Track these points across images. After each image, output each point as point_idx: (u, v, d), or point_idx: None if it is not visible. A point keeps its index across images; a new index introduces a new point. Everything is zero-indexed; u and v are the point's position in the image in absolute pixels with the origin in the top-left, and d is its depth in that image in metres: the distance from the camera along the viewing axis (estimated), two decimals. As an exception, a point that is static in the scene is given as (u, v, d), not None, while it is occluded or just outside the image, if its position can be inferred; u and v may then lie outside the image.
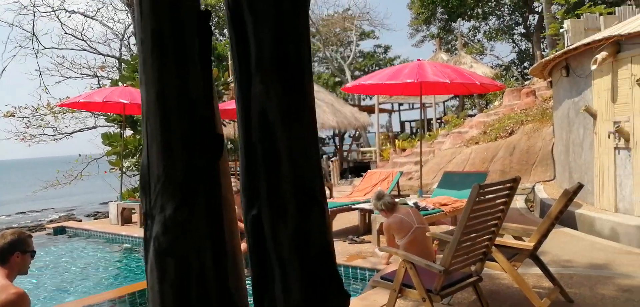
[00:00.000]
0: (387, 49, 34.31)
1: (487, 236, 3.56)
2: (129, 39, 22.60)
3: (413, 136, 22.43)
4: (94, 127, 20.09)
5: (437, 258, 4.38)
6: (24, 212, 23.71)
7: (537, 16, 26.50)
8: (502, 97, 16.72)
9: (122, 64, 21.21)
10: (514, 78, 23.86)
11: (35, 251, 2.98)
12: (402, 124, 27.50)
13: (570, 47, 7.68)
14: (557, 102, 9.25)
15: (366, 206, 7.12)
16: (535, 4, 25.85)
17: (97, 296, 5.46)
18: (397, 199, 5.76)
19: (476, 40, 31.35)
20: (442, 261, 3.32)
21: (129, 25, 22.12)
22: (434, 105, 22.11)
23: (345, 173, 18.19)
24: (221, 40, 23.56)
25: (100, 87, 20.22)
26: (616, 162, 6.65)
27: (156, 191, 0.94)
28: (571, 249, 5.62)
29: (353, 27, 30.38)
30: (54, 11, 20.74)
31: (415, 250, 4.12)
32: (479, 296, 3.68)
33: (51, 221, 15.27)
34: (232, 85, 14.94)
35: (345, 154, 21.38)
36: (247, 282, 1.16)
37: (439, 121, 21.91)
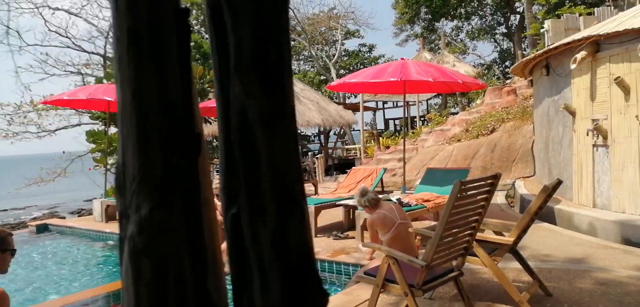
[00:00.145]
0: (371, 48, 34.41)
1: (468, 232, 3.63)
2: (113, 36, 22.24)
3: (397, 134, 22.57)
4: (79, 125, 19.85)
5: (419, 253, 4.44)
6: (6, 210, 23.29)
7: (518, 16, 26.84)
8: (483, 95, 16.92)
9: (107, 62, 20.94)
10: (496, 77, 24.15)
11: (15, 250, 2.95)
12: (386, 121, 27.65)
13: (551, 47, 7.83)
14: (538, 100, 9.40)
15: (350, 202, 7.17)
16: (517, 4, 26.18)
17: (80, 294, 5.42)
18: (380, 196, 5.83)
19: (459, 40, 31.65)
20: (424, 256, 3.37)
21: (114, 22, 21.77)
22: (418, 103, 22.28)
23: (330, 170, 18.23)
24: (207, 38, 23.41)
25: (84, 85, 19.96)
26: (594, 159, 6.80)
27: (132, 191, 0.93)
28: (550, 244, 5.74)
29: (338, 26, 30.42)
30: (37, 8, 20.41)
31: (398, 245, 4.17)
32: (460, 291, 3.75)
33: (34, 219, 15.05)
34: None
35: (330, 151, 21.42)
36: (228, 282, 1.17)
37: (422, 119, 22.09)
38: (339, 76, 27.27)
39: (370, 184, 8.42)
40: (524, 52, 21.60)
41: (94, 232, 8.94)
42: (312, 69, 33.20)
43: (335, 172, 17.66)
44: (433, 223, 7.12)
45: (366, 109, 22.50)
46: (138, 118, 0.93)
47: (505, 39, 30.91)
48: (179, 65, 0.96)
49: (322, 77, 30.36)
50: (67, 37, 21.91)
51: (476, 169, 11.27)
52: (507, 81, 20.22)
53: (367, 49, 34.23)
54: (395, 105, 26.58)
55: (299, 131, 23.59)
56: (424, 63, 9.42)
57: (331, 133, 23.90)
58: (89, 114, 17.45)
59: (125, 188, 0.95)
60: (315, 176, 14.90)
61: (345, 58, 33.25)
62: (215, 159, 15.14)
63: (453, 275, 3.67)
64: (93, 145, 13.00)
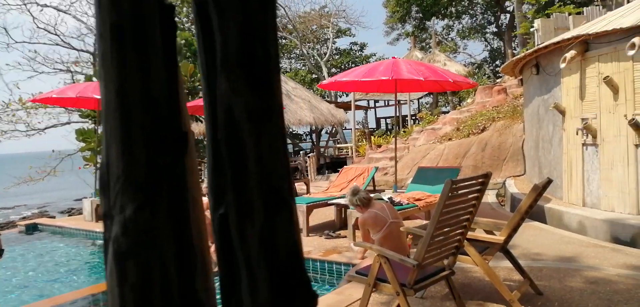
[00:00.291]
0: (363, 46, 34.46)
1: (460, 231, 3.63)
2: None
3: (388, 132, 22.62)
4: (68, 123, 19.68)
5: (411, 252, 4.44)
6: (-5, 210, 23.03)
7: (508, 15, 27.01)
8: (474, 94, 17.00)
9: (97, 59, 20.73)
10: (486, 76, 24.29)
11: (3, 250, 2.91)
12: (377, 120, 27.73)
13: (541, 46, 7.87)
14: (528, 99, 9.46)
15: (342, 201, 7.16)
16: (507, 3, 26.35)
17: (70, 294, 5.36)
18: (372, 195, 5.82)
19: (450, 39, 31.81)
20: (415, 256, 3.37)
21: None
22: (409, 102, 22.33)
23: (322, 169, 18.23)
24: (196, 36, 23.23)
25: (74, 83, 19.78)
26: (584, 157, 6.85)
27: (116, 191, 0.91)
28: (540, 243, 5.77)
29: (330, 25, 30.43)
30: (25, 4, 20.18)
31: (390, 244, 4.17)
32: (451, 290, 3.75)
33: (23, 218, 14.90)
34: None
35: (322, 150, 21.43)
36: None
37: (413, 118, 22.15)
38: (330, 75, 27.29)
39: (362, 183, 8.42)
40: (514, 51, 21.74)
41: (84, 231, 8.87)
42: (303, 68, 33.19)
43: (327, 171, 17.66)
44: (424, 222, 7.13)
45: (358, 107, 22.53)
46: (122, 116, 0.91)
47: (495, 38, 31.12)
48: (164, 63, 0.94)
49: (314, 76, 30.36)
50: (56, 34, 21.70)
51: (467, 168, 11.32)
52: (498, 80, 20.34)
53: (359, 48, 34.29)
54: (386, 104, 26.64)
55: (290, 130, 23.59)
56: (415, 62, 9.44)
57: (323, 132, 23.90)
58: (78, 112, 17.31)
59: (109, 188, 0.92)
60: (307, 175, 14.89)
61: (337, 56, 33.28)
62: (205, 159, 15.05)
63: (444, 274, 3.68)
64: (83, 144, 12.90)
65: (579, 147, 6.92)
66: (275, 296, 0.98)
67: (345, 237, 6.64)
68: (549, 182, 4.14)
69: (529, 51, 8.36)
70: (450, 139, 13.29)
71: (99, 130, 11.97)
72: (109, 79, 0.91)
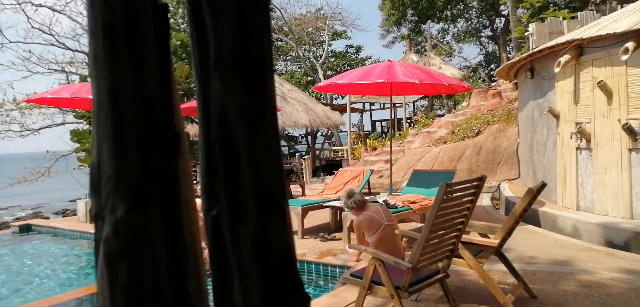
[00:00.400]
0: (358, 49, 34.50)
1: (454, 234, 3.64)
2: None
3: (384, 135, 22.64)
4: (63, 124, 19.57)
5: (405, 255, 4.44)
6: (-11, 210, 22.84)
7: (503, 19, 27.14)
8: (469, 98, 17.05)
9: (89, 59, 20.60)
10: (481, 79, 24.37)
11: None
12: (373, 123, 27.76)
13: (535, 50, 7.91)
14: (522, 103, 9.49)
15: (337, 203, 7.16)
16: (502, 7, 26.45)
17: (63, 296, 5.33)
18: (367, 197, 5.82)
19: (445, 42, 31.92)
20: (410, 258, 3.37)
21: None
22: (404, 105, 22.39)
23: (317, 171, 18.22)
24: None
25: (68, 83, 19.67)
26: (578, 161, 6.88)
27: (107, 192, 0.90)
28: (535, 246, 5.79)
29: (325, 27, 30.45)
30: (20, 4, 20.06)
31: (385, 247, 4.17)
32: (446, 292, 3.76)
33: (17, 219, 14.80)
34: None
35: (317, 152, 21.42)
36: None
37: (408, 121, 22.19)
38: (326, 77, 27.31)
39: (357, 185, 8.43)
40: (509, 55, 21.84)
41: (78, 232, 8.82)
42: (299, 70, 33.19)
43: (322, 174, 17.66)
44: (419, 225, 7.14)
45: (353, 110, 22.54)
46: (113, 116, 0.90)
47: (490, 41, 31.24)
48: (158, 62, 0.93)
49: (310, 78, 30.37)
50: (50, 34, 21.57)
51: (462, 171, 11.34)
52: (493, 84, 20.41)
53: (354, 50, 34.32)
54: (382, 106, 26.69)
55: (286, 132, 23.57)
56: (410, 65, 9.45)
57: (318, 134, 23.90)
58: (73, 113, 17.21)
59: (100, 189, 0.91)
60: (303, 177, 14.87)
61: (333, 59, 33.30)
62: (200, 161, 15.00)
63: (439, 277, 3.68)
64: (77, 145, 12.83)
65: (573, 151, 6.95)
66: (268, 298, 0.98)
67: (341, 239, 6.64)
68: (543, 185, 4.15)
69: (524, 55, 8.40)
70: (445, 142, 13.32)
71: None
72: (101, 78, 0.89)
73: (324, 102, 23.35)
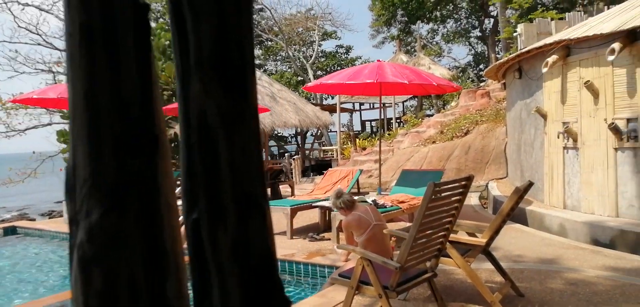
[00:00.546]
0: (348, 49, 34.54)
1: (442, 233, 3.65)
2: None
3: (373, 135, 22.70)
4: (49, 124, 19.35)
5: (394, 254, 4.45)
6: (-27, 213, 22.51)
7: (492, 20, 27.32)
8: (458, 98, 17.15)
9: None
10: (470, 79, 24.52)
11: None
12: (362, 123, 27.81)
13: (523, 50, 7.97)
14: (510, 103, 9.56)
15: (326, 203, 7.16)
16: (491, 8, 26.64)
17: (48, 298, 5.27)
18: (356, 197, 5.82)
19: (434, 43, 32.08)
20: (398, 258, 3.38)
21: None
22: (394, 105, 22.45)
23: (307, 171, 18.21)
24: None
25: (55, 83, 19.45)
26: (565, 161, 6.95)
27: (82, 195, 0.89)
28: (522, 245, 5.83)
29: (315, 27, 30.44)
30: (6, 3, 19.81)
31: (373, 247, 4.18)
32: (433, 292, 3.77)
33: (2, 221, 14.60)
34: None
35: (307, 152, 21.41)
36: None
37: (398, 121, 22.26)
38: (316, 77, 27.30)
39: (347, 185, 8.44)
40: (497, 56, 22.00)
41: (65, 234, 8.71)
42: (289, 70, 33.16)
43: (312, 174, 17.65)
44: (408, 224, 7.17)
45: (343, 110, 22.58)
46: (90, 117, 0.88)
47: (479, 42, 31.46)
48: (137, 63, 0.91)
49: (299, 78, 30.36)
50: (37, 34, 21.32)
51: (451, 171, 11.40)
52: (481, 84, 20.55)
53: (344, 51, 34.37)
54: (371, 106, 26.74)
55: (275, 132, 23.52)
56: (399, 65, 9.48)
57: (308, 134, 23.89)
58: (60, 113, 17.01)
59: (76, 192, 0.89)
60: (292, 177, 14.85)
61: (323, 59, 33.31)
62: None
63: (427, 276, 3.69)
64: (64, 146, 12.68)
65: (560, 150, 7.01)
66: (247, 302, 0.96)
67: (330, 239, 6.64)
68: (530, 185, 4.18)
69: (512, 55, 8.46)
70: (434, 142, 13.38)
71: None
72: (77, 79, 0.88)
73: (314, 102, 23.35)
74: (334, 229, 6.40)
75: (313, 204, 7.51)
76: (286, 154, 18.90)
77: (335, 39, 33.93)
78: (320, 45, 32.27)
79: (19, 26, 22.84)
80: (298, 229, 7.45)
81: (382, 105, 13.01)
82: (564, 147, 6.93)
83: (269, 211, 1.03)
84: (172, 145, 9.86)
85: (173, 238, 0.96)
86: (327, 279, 5.12)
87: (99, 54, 0.88)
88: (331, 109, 21.41)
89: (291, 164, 15.83)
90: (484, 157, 11.76)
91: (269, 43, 32.73)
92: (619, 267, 4.79)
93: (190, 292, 1.04)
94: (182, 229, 1.03)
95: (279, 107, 16.90)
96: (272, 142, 24.39)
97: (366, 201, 6.53)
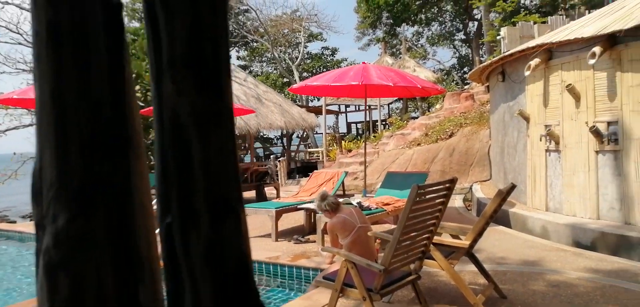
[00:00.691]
0: (334, 51, 34.59)
1: (426, 235, 3.66)
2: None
3: (359, 137, 22.74)
4: (31, 125, 19.05)
5: (379, 257, 4.45)
6: (-49, 214, 21.99)
7: (476, 23, 27.58)
8: (443, 100, 17.27)
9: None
10: (455, 82, 24.71)
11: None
12: (348, 125, 27.88)
13: (506, 54, 8.04)
14: (494, 106, 9.65)
15: (312, 206, 7.13)
16: (475, 11, 26.90)
17: (27, 303, 5.15)
18: (341, 199, 5.81)
19: (419, 45, 32.28)
20: (382, 260, 3.37)
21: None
22: (379, 107, 22.53)
23: (292, 173, 18.18)
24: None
25: (35, 83, 19.14)
26: (547, 163, 7.02)
27: (49, 199, 0.86)
28: (505, 247, 5.87)
29: (301, 29, 30.42)
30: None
31: (358, 249, 4.16)
32: (417, 294, 3.77)
33: (-19, 224, 14.28)
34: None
35: (292, 154, 21.38)
36: None
37: (383, 123, 22.34)
38: (301, 79, 27.27)
39: (332, 187, 8.42)
40: (481, 59, 22.21)
41: (44, 237, 8.55)
42: (274, 71, 33.09)
43: (297, 176, 17.63)
44: (393, 226, 7.18)
45: (329, 112, 22.58)
46: (57, 119, 0.84)
47: (463, 45, 31.74)
48: (108, 63, 0.88)
49: (285, 80, 30.31)
50: (18, 33, 20.96)
51: (435, 173, 11.46)
52: (466, 87, 20.72)
53: (330, 52, 34.40)
54: (357, 109, 26.81)
55: (261, 134, 23.44)
56: (384, 67, 9.52)
57: (294, 136, 23.85)
58: (40, 114, 16.76)
59: (42, 196, 0.86)
60: (278, 179, 14.80)
61: (308, 61, 33.30)
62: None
63: (411, 279, 3.69)
64: (45, 147, 12.51)
65: (543, 153, 7.09)
66: None
67: (315, 242, 6.62)
68: (513, 187, 4.21)
69: (495, 59, 8.53)
70: (419, 144, 13.45)
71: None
72: (44, 79, 0.85)
73: (300, 103, 23.33)
74: (319, 231, 6.38)
75: (298, 207, 7.49)
76: (272, 156, 18.84)
77: (321, 40, 33.95)
78: (306, 47, 32.27)
79: (-1, 25, 22.45)
80: (283, 231, 7.42)
81: (367, 107, 13.03)
82: (546, 150, 7.01)
83: (244, 215, 1.00)
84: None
85: (148, 241, 0.93)
86: (312, 282, 5.10)
87: (66, 53, 0.85)
88: (317, 111, 21.41)
89: (277, 166, 15.78)
90: (468, 160, 11.85)
91: (255, 44, 32.63)
92: (599, 269, 4.85)
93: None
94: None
95: (264, 108, 16.85)
96: (257, 144, 24.30)
97: (351, 203, 6.53)
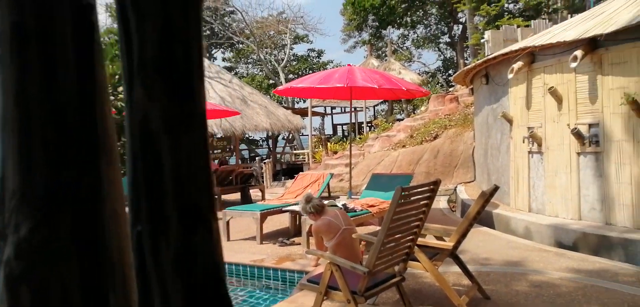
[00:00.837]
0: (320, 53, 34.58)
1: (410, 237, 3.66)
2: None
3: (345, 139, 22.76)
4: None
5: (364, 259, 4.44)
6: None
7: (461, 26, 27.82)
8: (428, 102, 17.37)
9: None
10: (439, 85, 24.89)
11: None
12: (334, 127, 27.90)
13: (490, 57, 8.11)
14: (478, 108, 9.73)
15: (297, 208, 7.10)
16: (460, 15, 27.13)
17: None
18: (326, 201, 5.80)
19: (405, 48, 32.43)
20: (366, 262, 3.37)
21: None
22: (365, 109, 22.59)
23: (278, 175, 18.12)
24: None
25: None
26: (530, 165, 7.10)
27: (11, 208, 0.83)
28: (489, 248, 5.92)
29: (287, 31, 30.37)
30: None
31: (343, 251, 4.15)
32: (402, 296, 3.78)
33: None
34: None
35: (278, 156, 21.32)
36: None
37: (369, 125, 22.39)
38: (287, 80, 27.22)
39: (317, 189, 8.41)
40: (466, 61, 22.40)
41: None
42: (260, 73, 32.97)
43: (283, 178, 17.58)
44: (378, 228, 7.18)
45: (314, 114, 22.59)
46: (20, 125, 0.81)
47: (448, 48, 31.98)
48: (77, 65, 0.85)
49: (271, 81, 30.21)
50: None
51: (420, 175, 11.52)
52: (450, 89, 20.88)
53: (316, 54, 34.40)
54: (343, 110, 26.83)
55: (246, 136, 23.33)
56: (370, 70, 9.54)
57: (280, 138, 23.79)
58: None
59: (4, 205, 0.83)
60: (263, 181, 14.75)
61: (294, 63, 33.25)
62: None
63: (395, 280, 3.70)
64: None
65: (525, 155, 7.16)
66: None
67: (300, 244, 6.60)
68: (496, 189, 4.24)
69: (479, 61, 8.61)
70: (404, 146, 13.51)
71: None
72: (8, 82, 0.81)
73: (286, 105, 23.29)
74: (304, 233, 6.37)
75: (283, 209, 7.46)
76: (257, 158, 18.77)
77: (307, 42, 33.90)
78: (291, 48, 32.22)
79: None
80: (268, 233, 7.38)
81: (353, 109, 13.05)
82: (529, 152, 7.08)
83: (217, 222, 0.98)
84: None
85: (120, 249, 0.90)
86: (297, 285, 5.08)
87: (31, 56, 0.82)
88: (303, 113, 21.38)
89: (262, 168, 15.72)
90: (452, 161, 11.93)
91: (240, 46, 32.50)
92: (581, 269, 4.91)
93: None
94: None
95: (250, 110, 16.78)
96: (243, 146, 24.19)
97: (336, 205, 6.52)
